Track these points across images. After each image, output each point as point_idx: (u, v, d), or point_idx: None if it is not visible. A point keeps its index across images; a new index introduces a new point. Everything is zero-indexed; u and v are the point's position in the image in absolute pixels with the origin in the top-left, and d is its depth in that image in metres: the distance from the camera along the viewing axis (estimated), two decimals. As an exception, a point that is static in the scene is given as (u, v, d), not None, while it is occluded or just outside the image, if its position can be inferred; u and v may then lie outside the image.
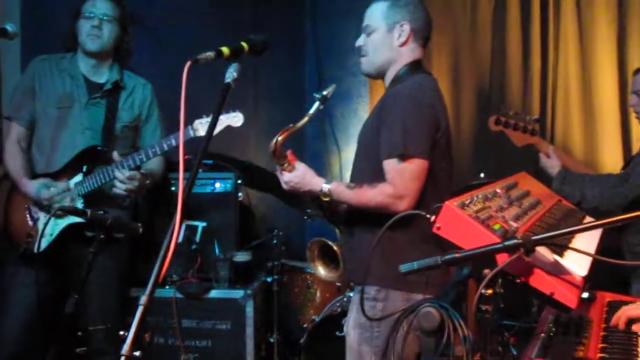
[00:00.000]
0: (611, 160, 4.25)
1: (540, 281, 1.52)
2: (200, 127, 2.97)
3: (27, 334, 2.97)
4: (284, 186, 2.51)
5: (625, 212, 1.57)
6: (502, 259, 1.50)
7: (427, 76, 2.54)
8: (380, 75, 2.57)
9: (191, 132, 2.98)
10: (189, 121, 2.97)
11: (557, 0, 4.43)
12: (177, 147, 2.92)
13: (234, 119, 3.02)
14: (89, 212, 2.26)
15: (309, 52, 5.42)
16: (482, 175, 3.87)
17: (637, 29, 4.24)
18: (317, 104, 2.44)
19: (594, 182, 3.08)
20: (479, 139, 4.68)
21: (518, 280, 1.53)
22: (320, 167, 5.26)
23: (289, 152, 2.48)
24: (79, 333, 2.44)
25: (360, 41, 2.56)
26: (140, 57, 3.52)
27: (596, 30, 4.31)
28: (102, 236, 2.19)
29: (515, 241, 1.47)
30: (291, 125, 2.42)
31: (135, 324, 1.43)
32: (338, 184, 2.45)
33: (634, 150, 4.04)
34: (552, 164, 3.24)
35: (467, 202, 1.68)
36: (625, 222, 1.46)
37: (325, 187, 2.42)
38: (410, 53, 2.50)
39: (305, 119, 2.43)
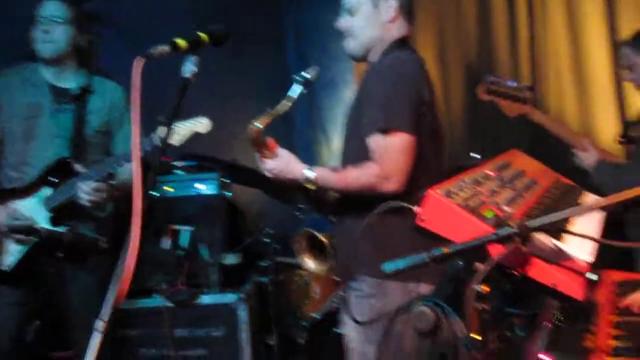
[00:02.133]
0: (607, 129, 4.09)
1: (540, 272, 1.36)
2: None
3: (7, 356, 2.83)
4: (267, 174, 2.37)
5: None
6: (497, 250, 1.35)
7: (412, 53, 2.41)
8: (366, 55, 2.43)
9: (155, 140, 2.80)
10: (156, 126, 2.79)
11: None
12: (150, 153, 2.75)
13: (199, 125, 2.86)
14: (41, 229, 2.09)
15: (289, 41, 5.26)
16: (474, 155, 3.71)
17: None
18: (299, 87, 2.28)
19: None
20: (470, 117, 4.53)
21: (516, 273, 1.38)
22: (310, 158, 5.12)
23: (269, 140, 2.33)
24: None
25: (343, 22, 2.43)
26: (113, 59, 3.38)
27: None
28: (61, 255, 2.03)
29: (509, 230, 1.32)
30: (270, 110, 2.27)
31: (93, 354, 1.28)
32: (323, 169, 2.32)
33: (629, 116, 3.90)
34: (587, 157, 3.04)
35: (453, 189, 1.52)
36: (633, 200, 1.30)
37: (310, 173, 2.28)
38: (397, 30, 2.39)
39: (286, 103, 2.27)
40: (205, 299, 3.48)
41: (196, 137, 2.89)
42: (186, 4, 4.50)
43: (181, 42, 1.69)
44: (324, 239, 3.63)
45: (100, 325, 1.34)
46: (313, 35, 5.04)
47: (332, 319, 3.48)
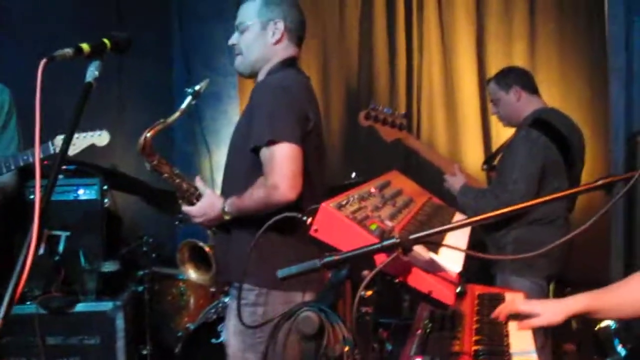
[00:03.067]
0: (474, 157, 4.45)
1: (418, 280, 1.52)
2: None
3: None
4: (195, 220, 2.43)
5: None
6: (381, 259, 1.49)
7: (299, 72, 2.52)
8: (254, 73, 2.52)
9: (51, 149, 2.77)
10: (52, 131, 2.76)
11: (420, 3, 4.59)
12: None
13: (98, 137, 2.90)
14: None
15: (176, 52, 5.27)
16: (353, 175, 3.91)
17: (495, 30, 4.49)
18: (189, 98, 2.38)
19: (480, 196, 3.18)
20: (349, 139, 4.75)
21: (396, 281, 1.53)
22: (191, 170, 5.13)
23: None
24: None
25: (233, 39, 2.50)
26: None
27: (457, 32, 4.52)
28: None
29: (393, 241, 1.46)
30: (162, 120, 2.36)
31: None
32: (231, 200, 2.35)
33: (494, 147, 4.26)
34: (455, 181, 3.28)
35: (343, 203, 1.65)
36: (496, 218, 1.49)
37: (226, 211, 2.35)
38: (284, 51, 2.47)
39: (177, 114, 2.37)
40: (81, 307, 3.41)
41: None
42: (74, 15, 4.39)
43: (85, 47, 1.70)
44: (207, 249, 3.67)
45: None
46: (199, 51, 5.08)
47: (208, 329, 3.52)
